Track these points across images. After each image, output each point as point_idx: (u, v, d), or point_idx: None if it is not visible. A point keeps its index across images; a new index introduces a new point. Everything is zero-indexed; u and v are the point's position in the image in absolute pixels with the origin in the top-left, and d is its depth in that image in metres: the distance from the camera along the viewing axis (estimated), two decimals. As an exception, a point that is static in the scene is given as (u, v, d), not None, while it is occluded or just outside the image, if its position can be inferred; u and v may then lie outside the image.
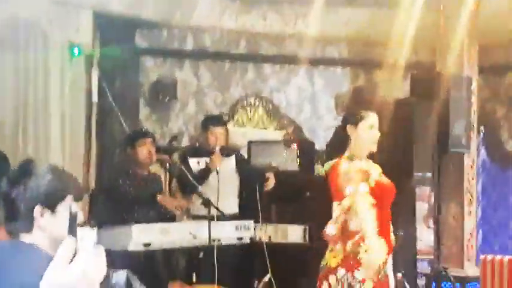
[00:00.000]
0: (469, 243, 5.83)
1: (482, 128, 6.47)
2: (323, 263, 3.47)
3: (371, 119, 3.49)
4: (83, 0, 5.27)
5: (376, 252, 3.32)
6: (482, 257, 5.38)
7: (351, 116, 3.71)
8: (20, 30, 4.98)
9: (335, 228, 3.34)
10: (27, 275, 1.36)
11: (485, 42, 6.14)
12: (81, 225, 1.29)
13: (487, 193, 7.18)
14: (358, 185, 3.29)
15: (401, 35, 5.69)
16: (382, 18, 5.94)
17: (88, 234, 1.10)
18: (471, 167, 5.79)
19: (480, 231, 6.94)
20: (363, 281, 3.34)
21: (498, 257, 5.19)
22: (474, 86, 5.69)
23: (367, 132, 3.43)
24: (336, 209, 3.38)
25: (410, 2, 5.39)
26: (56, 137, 5.27)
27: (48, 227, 1.66)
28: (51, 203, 1.67)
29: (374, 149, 3.44)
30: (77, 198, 1.76)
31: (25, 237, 1.64)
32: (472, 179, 5.81)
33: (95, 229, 1.23)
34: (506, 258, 5.11)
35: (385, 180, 3.43)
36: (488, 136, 6.58)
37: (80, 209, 1.64)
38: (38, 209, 1.63)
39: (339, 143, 3.77)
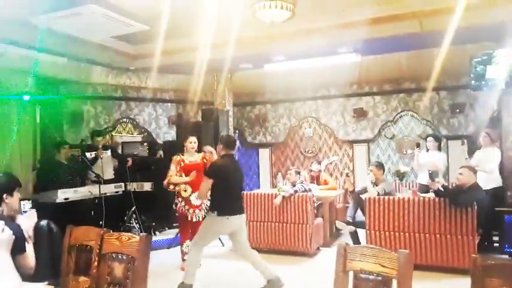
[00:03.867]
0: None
1: (237, 132, 8.78)
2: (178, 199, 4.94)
3: (192, 139, 5.10)
4: (29, 69, 5.94)
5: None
6: None
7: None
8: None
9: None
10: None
11: (237, 91, 8.07)
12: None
13: (239, 163, 8.78)
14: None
15: (197, 90, 7.28)
16: (188, 81, 7.35)
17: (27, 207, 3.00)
18: None
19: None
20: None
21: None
22: (231, 113, 7.70)
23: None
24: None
25: (199, 72, 6.57)
26: (16, 146, 6.20)
27: (8, 203, 2.34)
28: (8, 191, 2.36)
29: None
30: (19, 186, 2.46)
31: None
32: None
33: (33, 210, 2.45)
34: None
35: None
36: (240, 135, 8.93)
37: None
38: (4, 195, 2.32)
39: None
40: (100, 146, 6.43)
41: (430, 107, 7.79)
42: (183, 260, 4.90)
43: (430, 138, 6.39)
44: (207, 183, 4.06)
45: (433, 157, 6.16)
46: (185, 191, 4.97)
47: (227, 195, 4.07)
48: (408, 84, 7.96)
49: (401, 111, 8.09)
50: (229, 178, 4.12)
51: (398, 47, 6.38)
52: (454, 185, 5.40)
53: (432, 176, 4.89)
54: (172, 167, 5.01)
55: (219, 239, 5.81)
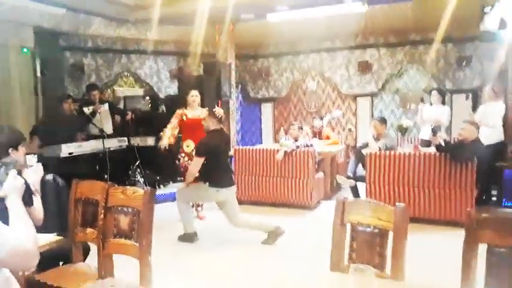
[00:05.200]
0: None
1: (239, 86, 8.75)
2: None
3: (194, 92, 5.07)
4: (26, 21, 6.01)
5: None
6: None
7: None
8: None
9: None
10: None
11: (239, 43, 7.86)
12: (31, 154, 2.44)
13: (242, 119, 9.22)
14: None
15: (199, 42, 7.11)
16: (189, 33, 7.02)
17: (33, 161, 2.30)
18: (234, 105, 7.69)
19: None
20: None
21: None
22: (233, 66, 7.60)
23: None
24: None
25: (200, 22, 6.38)
26: (18, 99, 6.21)
27: (15, 157, 2.31)
28: (14, 145, 2.36)
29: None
30: (24, 140, 2.47)
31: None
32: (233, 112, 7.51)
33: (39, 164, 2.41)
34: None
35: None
36: (242, 90, 8.89)
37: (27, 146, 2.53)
38: (10, 149, 2.30)
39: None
40: (97, 100, 6.30)
41: (436, 59, 7.65)
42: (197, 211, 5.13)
43: (434, 92, 6.34)
44: (198, 162, 4.19)
45: (437, 111, 6.14)
46: (188, 146, 5.00)
47: (218, 169, 4.23)
48: (414, 36, 7.80)
49: (406, 64, 7.96)
50: (220, 154, 4.28)
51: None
52: (456, 140, 5.42)
53: (435, 130, 4.91)
54: (173, 120, 5.02)
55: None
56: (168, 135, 4.99)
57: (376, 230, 1.93)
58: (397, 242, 1.84)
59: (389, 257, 1.90)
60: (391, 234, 1.91)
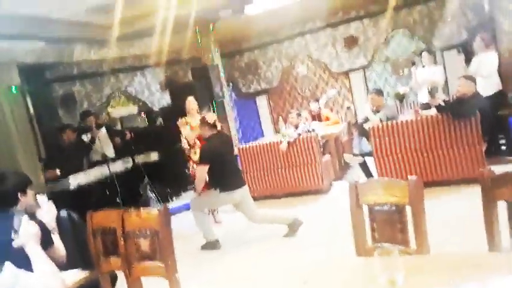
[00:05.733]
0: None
1: (230, 84, 8.72)
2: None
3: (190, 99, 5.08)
4: (9, 60, 5.91)
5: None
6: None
7: None
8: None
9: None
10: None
11: (222, 42, 7.94)
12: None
13: (240, 116, 9.07)
14: None
15: (181, 48, 7.17)
16: (170, 41, 6.86)
17: (44, 201, 2.23)
18: (228, 104, 7.72)
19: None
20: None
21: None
22: (221, 67, 7.69)
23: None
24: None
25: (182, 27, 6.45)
26: (16, 139, 6.04)
27: (24, 201, 2.30)
28: (22, 189, 2.31)
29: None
30: (31, 182, 2.41)
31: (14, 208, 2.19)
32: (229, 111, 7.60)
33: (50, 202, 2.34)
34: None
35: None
36: (234, 87, 8.90)
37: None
38: (18, 194, 2.27)
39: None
40: (94, 126, 6.25)
41: (420, 20, 7.58)
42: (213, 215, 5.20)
43: (424, 53, 6.31)
44: (203, 170, 4.16)
45: (430, 71, 6.12)
46: (195, 153, 4.97)
47: (225, 173, 4.20)
48: (394, 1, 7.70)
49: (392, 31, 7.90)
50: (223, 157, 4.21)
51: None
52: (454, 97, 5.40)
53: (432, 92, 4.89)
54: (183, 130, 4.95)
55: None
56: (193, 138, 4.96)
57: (394, 207, 1.94)
58: (416, 216, 1.84)
59: (412, 231, 1.90)
60: (409, 209, 1.91)
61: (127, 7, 5.70)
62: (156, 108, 8.26)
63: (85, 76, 7.65)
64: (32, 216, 2.25)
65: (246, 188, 4.36)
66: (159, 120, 7.95)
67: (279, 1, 6.65)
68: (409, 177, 1.93)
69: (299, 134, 5.70)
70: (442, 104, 4.80)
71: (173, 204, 6.65)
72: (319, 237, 4.25)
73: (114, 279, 2.80)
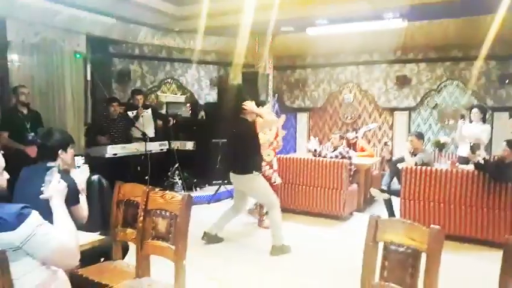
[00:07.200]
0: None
1: (276, 95, 8.73)
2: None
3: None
4: (80, 28, 6.17)
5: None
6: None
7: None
8: (48, 45, 5.98)
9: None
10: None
11: (278, 55, 8.21)
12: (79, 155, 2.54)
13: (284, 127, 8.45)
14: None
15: (242, 53, 7.11)
16: (230, 44, 7.32)
17: (80, 162, 2.42)
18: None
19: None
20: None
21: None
22: (271, 77, 8.08)
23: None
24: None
25: (241, 35, 6.41)
26: (69, 102, 6.34)
27: (63, 158, 2.43)
28: (63, 147, 2.44)
29: None
30: (73, 142, 2.53)
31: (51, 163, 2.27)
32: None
33: (86, 165, 2.50)
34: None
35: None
36: (279, 98, 8.82)
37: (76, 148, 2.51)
38: (59, 151, 2.42)
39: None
40: (140, 105, 6.39)
41: (477, 76, 7.34)
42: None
43: (475, 109, 6.07)
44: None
45: (477, 129, 5.89)
46: (268, 155, 4.97)
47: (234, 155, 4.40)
48: (455, 53, 7.51)
49: (446, 80, 7.70)
50: (236, 139, 4.41)
51: (447, 13, 6.03)
52: (495, 158, 5.19)
53: (474, 148, 4.71)
54: (263, 136, 4.75)
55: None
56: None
57: (409, 250, 1.88)
58: (430, 265, 1.78)
59: (421, 278, 1.83)
60: (423, 256, 1.84)
61: (197, 2, 5.82)
62: (201, 102, 8.36)
63: (144, 58, 7.81)
64: (67, 174, 2.36)
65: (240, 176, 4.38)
66: (202, 114, 8.05)
67: (341, 29, 6.62)
68: (432, 226, 1.87)
69: (336, 156, 5.64)
70: (482, 162, 4.62)
71: (195, 193, 6.71)
72: (330, 262, 4.18)
73: (125, 250, 2.87)
